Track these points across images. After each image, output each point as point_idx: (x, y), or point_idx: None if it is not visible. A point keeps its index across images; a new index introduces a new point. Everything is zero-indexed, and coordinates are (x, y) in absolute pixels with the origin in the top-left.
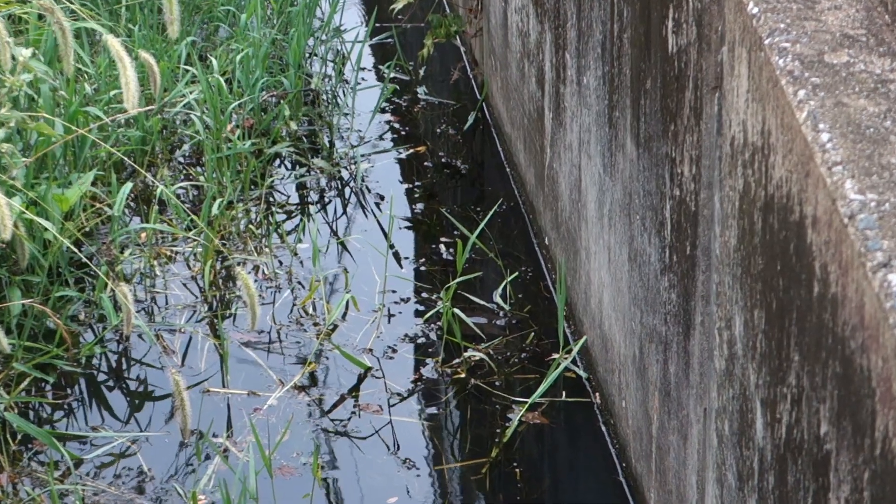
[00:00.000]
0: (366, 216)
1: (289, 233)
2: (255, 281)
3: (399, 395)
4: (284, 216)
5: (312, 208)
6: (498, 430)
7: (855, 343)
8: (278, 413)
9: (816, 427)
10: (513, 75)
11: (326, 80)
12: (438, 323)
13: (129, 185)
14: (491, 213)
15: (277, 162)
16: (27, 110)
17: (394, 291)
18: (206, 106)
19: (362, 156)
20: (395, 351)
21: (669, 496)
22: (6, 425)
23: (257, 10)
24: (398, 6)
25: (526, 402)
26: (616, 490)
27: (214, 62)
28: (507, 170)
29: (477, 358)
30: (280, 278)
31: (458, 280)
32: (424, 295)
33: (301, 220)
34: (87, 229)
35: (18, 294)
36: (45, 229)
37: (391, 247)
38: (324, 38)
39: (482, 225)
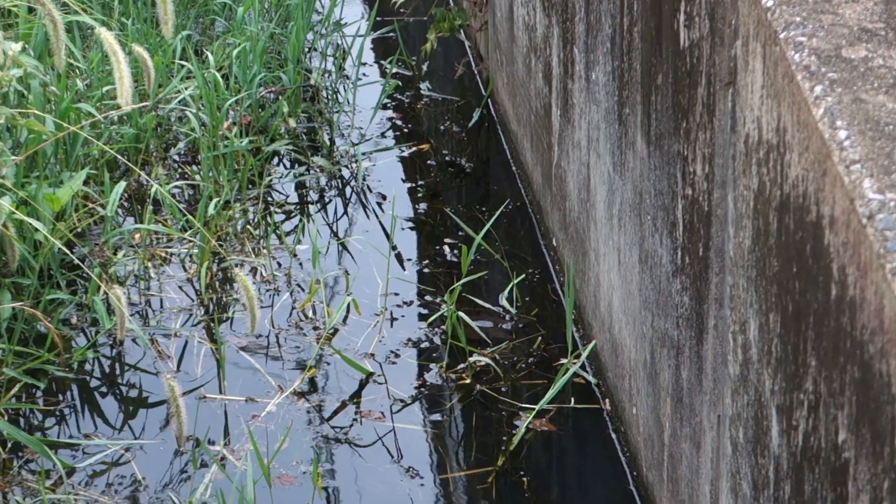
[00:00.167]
0: (367, 216)
1: (288, 234)
2: (253, 283)
3: (402, 401)
4: (283, 216)
5: (312, 208)
6: (504, 438)
7: (874, 347)
8: (277, 420)
9: (834, 434)
10: (519, 71)
11: (326, 75)
12: (442, 327)
13: (122, 185)
14: (497, 213)
15: (276, 160)
16: (17, 107)
17: (396, 294)
18: (201, 102)
19: (363, 154)
20: (397, 356)
21: None
22: None
23: (255, 4)
24: None
25: (533, 409)
26: (626, 500)
27: (210, 57)
28: (514, 168)
29: (482, 363)
30: (279, 281)
31: (462, 282)
32: (428, 298)
33: (300, 220)
34: (80, 230)
35: (8, 297)
36: (36, 230)
37: (393, 248)
38: (324, 32)
39: (488, 225)
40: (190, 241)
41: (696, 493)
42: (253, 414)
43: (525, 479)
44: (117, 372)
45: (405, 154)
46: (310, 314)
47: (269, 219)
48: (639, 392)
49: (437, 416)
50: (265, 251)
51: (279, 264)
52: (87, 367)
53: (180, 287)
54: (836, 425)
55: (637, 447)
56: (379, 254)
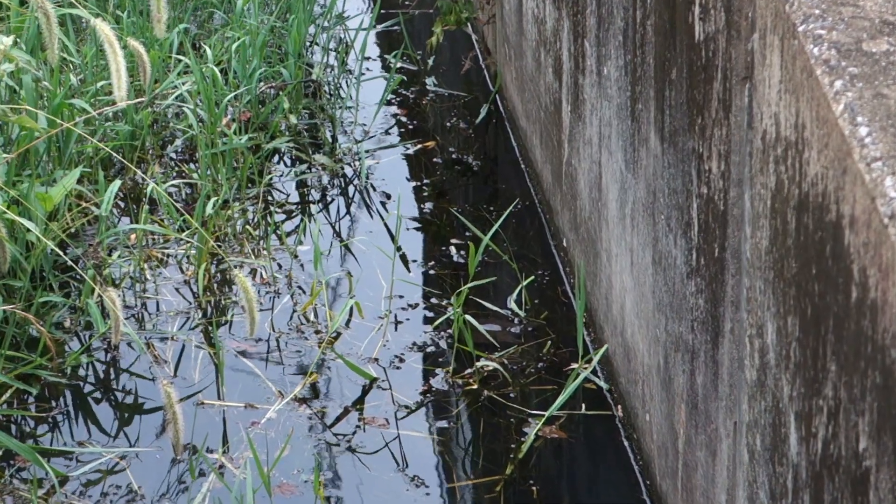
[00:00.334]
0: (371, 216)
1: (288, 234)
2: (253, 286)
3: (407, 407)
4: (284, 216)
5: (314, 208)
6: (513, 446)
7: None
8: (277, 427)
9: (855, 442)
10: (528, 65)
11: (328, 70)
12: (449, 330)
13: (117, 183)
14: (505, 212)
15: (276, 158)
16: (8, 103)
17: (401, 297)
18: (199, 98)
19: (367, 151)
20: (402, 360)
21: None
22: None
23: None
24: None
25: (543, 416)
26: None
27: (209, 51)
28: (522, 166)
29: (490, 368)
30: (279, 283)
31: (469, 285)
32: (434, 300)
33: (301, 220)
34: (73, 230)
35: None
36: (28, 230)
37: (398, 249)
38: (326, 25)
39: (496, 226)
40: (187, 242)
41: (712, 503)
42: (252, 420)
43: (534, 488)
44: (112, 377)
45: (410, 152)
46: (311, 317)
47: (269, 219)
48: (652, 398)
49: (443, 423)
50: (265, 252)
51: (280, 266)
52: (81, 372)
53: (177, 289)
54: (856, 432)
55: (651, 455)
56: (383, 255)
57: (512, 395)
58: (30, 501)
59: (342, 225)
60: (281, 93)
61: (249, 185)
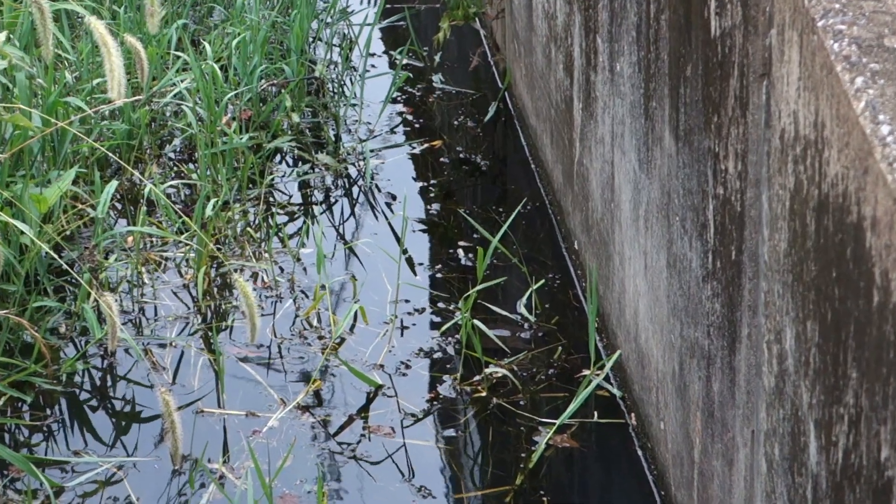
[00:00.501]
0: (376, 218)
1: (291, 236)
2: (254, 290)
3: (413, 415)
4: (286, 218)
5: (317, 209)
6: (523, 455)
7: None
8: (280, 436)
9: (877, 451)
10: (538, 62)
11: (332, 67)
12: (456, 336)
13: (114, 184)
14: (514, 214)
15: (278, 158)
16: (2, 101)
17: (407, 301)
18: (199, 96)
19: (372, 151)
20: (408, 367)
21: None
22: None
23: None
24: None
25: (554, 424)
26: None
27: (208, 47)
28: (532, 166)
29: (499, 374)
30: (281, 287)
31: (478, 288)
32: (441, 305)
33: (304, 222)
34: (68, 233)
35: None
36: (22, 233)
37: (404, 252)
38: (329, 20)
39: (504, 227)
40: (186, 245)
41: None
42: (254, 429)
43: (545, 498)
44: (109, 385)
45: (416, 151)
46: (314, 322)
47: (270, 220)
48: (667, 406)
49: (450, 432)
50: (266, 255)
51: (281, 269)
52: (77, 379)
53: (176, 294)
54: (878, 441)
55: (665, 465)
56: (388, 258)
57: (522, 402)
58: None
59: (346, 227)
60: (283, 90)
61: (250, 185)
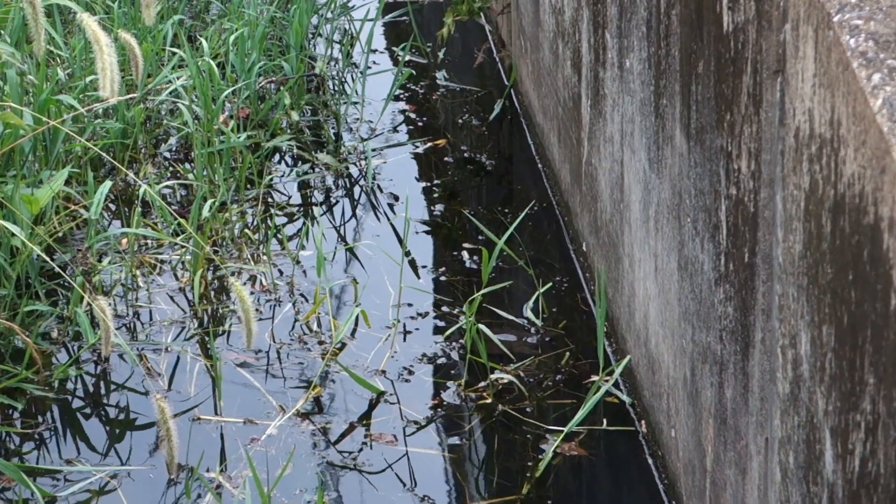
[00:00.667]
0: (377, 219)
1: (290, 238)
2: (252, 293)
3: (416, 423)
4: (285, 219)
5: (317, 210)
6: (529, 464)
7: None
8: (278, 444)
9: (894, 459)
10: (545, 58)
11: (332, 63)
12: (461, 341)
13: (107, 185)
14: (521, 215)
15: (277, 157)
16: None
17: (410, 305)
18: (195, 94)
19: (373, 150)
20: (411, 373)
21: None
22: None
23: None
24: None
25: (561, 431)
26: None
27: (205, 44)
28: (539, 166)
29: (505, 381)
30: (280, 290)
31: (483, 292)
32: (445, 309)
33: (304, 223)
34: (60, 235)
35: None
36: (12, 235)
37: (407, 254)
38: (329, 15)
39: (511, 229)
40: (182, 247)
41: None
42: (252, 437)
43: None
44: (102, 391)
45: (419, 150)
46: (314, 327)
47: (269, 222)
48: (678, 413)
49: (454, 440)
50: (265, 258)
51: (280, 272)
52: (69, 385)
53: (171, 297)
54: None
55: (676, 474)
56: (391, 260)
57: (528, 409)
58: None
59: (347, 228)
60: (282, 88)
61: (248, 186)
